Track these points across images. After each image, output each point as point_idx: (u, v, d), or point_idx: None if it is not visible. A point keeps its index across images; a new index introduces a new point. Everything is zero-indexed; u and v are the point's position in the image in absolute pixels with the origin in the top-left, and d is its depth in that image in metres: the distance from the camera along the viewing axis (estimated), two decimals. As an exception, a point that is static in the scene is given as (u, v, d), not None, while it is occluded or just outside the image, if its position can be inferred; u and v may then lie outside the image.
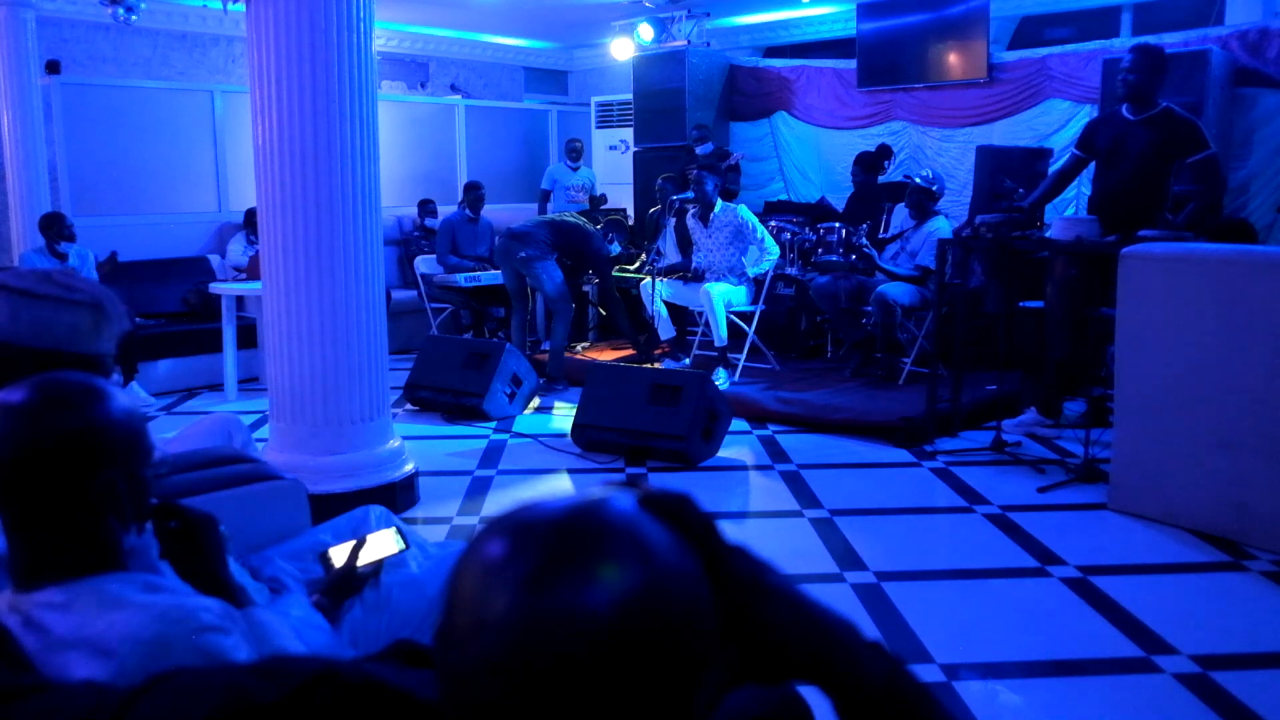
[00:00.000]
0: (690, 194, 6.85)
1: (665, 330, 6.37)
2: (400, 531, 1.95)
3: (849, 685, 0.74)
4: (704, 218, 6.22)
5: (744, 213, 6.14)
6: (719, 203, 6.16)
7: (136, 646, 1.10)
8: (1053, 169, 5.00)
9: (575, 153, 8.81)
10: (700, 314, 6.38)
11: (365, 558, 1.81)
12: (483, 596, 0.61)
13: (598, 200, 8.83)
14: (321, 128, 3.47)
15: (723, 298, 5.91)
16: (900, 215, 6.17)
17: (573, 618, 0.59)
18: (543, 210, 8.70)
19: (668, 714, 0.61)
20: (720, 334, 5.90)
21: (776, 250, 6.17)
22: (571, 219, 6.54)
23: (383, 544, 1.87)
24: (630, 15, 8.63)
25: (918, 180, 5.94)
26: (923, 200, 5.91)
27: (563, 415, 5.34)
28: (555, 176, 8.81)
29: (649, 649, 0.60)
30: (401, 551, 1.90)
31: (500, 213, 8.29)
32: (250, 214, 7.00)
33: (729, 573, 0.70)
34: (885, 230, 6.30)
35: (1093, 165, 4.78)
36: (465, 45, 10.37)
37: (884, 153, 7.16)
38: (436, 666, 0.64)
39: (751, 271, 6.13)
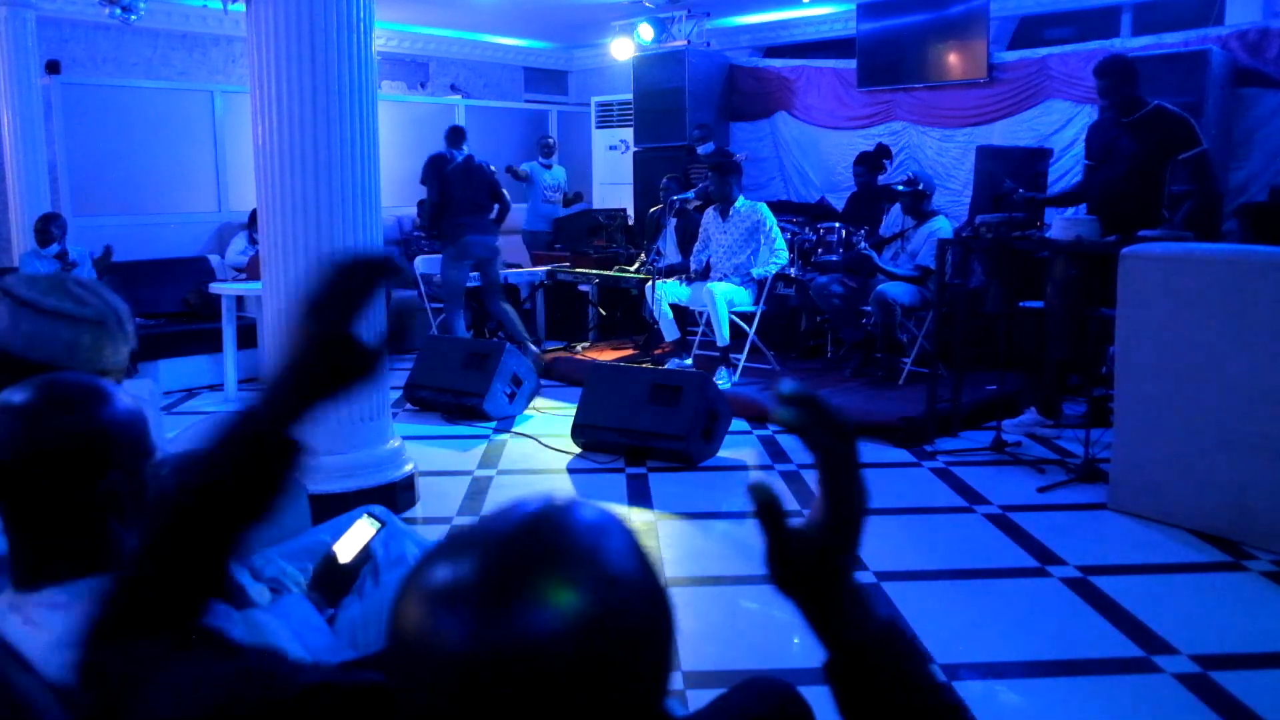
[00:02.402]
0: (690, 194, 6.85)
1: (669, 332, 6.36)
2: (373, 515, 1.97)
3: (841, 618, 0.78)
4: (724, 213, 6.20)
5: (764, 211, 6.12)
6: (741, 198, 6.14)
7: (136, 646, 1.10)
8: (1069, 183, 4.98)
9: (547, 149, 8.77)
10: (701, 314, 6.38)
11: (348, 552, 1.82)
12: (433, 625, 0.59)
13: (571, 199, 8.83)
14: (321, 128, 3.47)
15: (725, 297, 5.91)
16: (896, 214, 6.17)
17: (525, 649, 0.57)
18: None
19: None
20: (723, 334, 5.90)
21: (786, 255, 6.17)
22: (480, 176, 6.64)
23: (360, 533, 1.89)
24: (630, 15, 8.63)
25: (901, 188, 5.94)
26: (915, 203, 5.92)
27: (563, 415, 5.33)
28: (532, 175, 8.77)
29: (604, 672, 0.59)
30: (380, 529, 1.91)
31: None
32: (254, 214, 6.99)
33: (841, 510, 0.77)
34: (881, 229, 6.29)
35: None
36: (465, 45, 10.37)
37: (883, 152, 7.16)
38: (392, 687, 0.62)
39: (757, 273, 6.12)
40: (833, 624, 0.77)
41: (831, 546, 0.77)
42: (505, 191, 6.85)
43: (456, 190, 6.52)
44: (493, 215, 6.70)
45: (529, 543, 0.61)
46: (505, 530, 0.62)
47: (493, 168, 6.89)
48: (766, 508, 0.76)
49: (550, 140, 8.91)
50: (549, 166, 8.79)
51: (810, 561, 0.76)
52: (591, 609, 0.59)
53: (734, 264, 6.11)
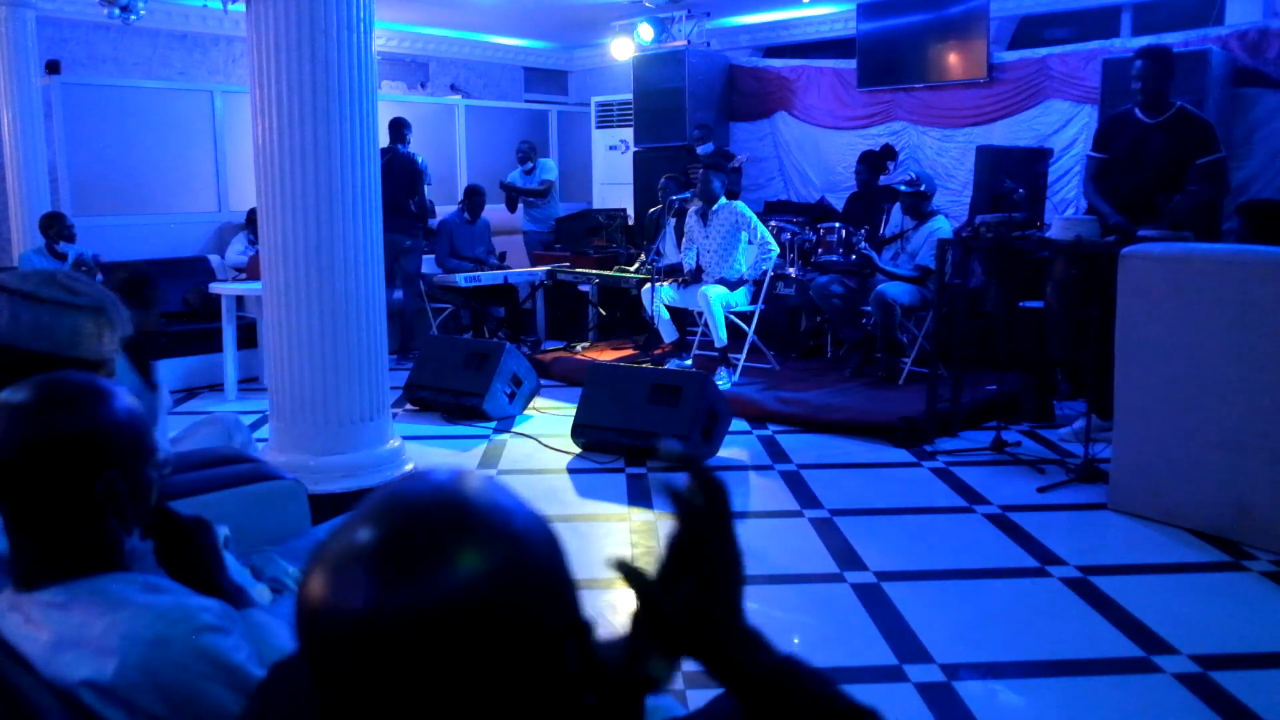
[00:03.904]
0: (690, 194, 6.84)
1: (668, 333, 6.37)
2: None
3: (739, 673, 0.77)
4: (704, 215, 6.23)
5: (742, 208, 6.14)
6: (721, 199, 6.17)
7: (136, 646, 1.10)
8: (1085, 182, 4.95)
9: (523, 155, 8.49)
10: (700, 314, 6.39)
11: None
12: (337, 588, 0.61)
13: (543, 186, 8.56)
14: (321, 128, 3.47)
15: (720, 300, 5.91)
16: (897, 215, 6.17)
17: (427, 606, 0.59)
18: (512, 207, 8.53)
19: (534, 684, 0.62)
20: (720, 335, 5.91)
21: (776, 248, 6.17)
22: (402, 172, 6.84)
23: None
24: (630, 15, 8.62)
25: (903, 188, 5.94)
26: (916, 203, 5.92)
27: (563, 415, 5.33)
28: (513, 182, 8.63)
29: (502, 629, 0.61)
30: None
31: (500, 213, 8.29)
32: (252, 214, 7.00)
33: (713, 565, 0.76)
34: (884, 230, 6.30)
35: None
36: (465, 45, 10.37)
37: (888, 153, 7.17)
38: (304, 655, 0.64)
39: (750, 274, 6.13)
40: (730, 670, 0.77)
41: (708, 607, 0.77)
42: (425, 186, 7.11)
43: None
44: (413, 209, 7.01)
45: (422, 505, 0.63)
46: (397, 498, 0.64)
47: (420, 158, 7.16)
48: (633, 580, 0.77)
49: (525, 145, 8.56)
50: (530, 171, 8.53)
51: (689, 623, 0.77)
52: (489, 558, 0.61)
53: (720, 269, 6.12)
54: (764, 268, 6.13)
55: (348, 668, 0.60)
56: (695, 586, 0.77)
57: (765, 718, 0.75)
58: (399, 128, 7.20)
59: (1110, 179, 4.72)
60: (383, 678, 0.59)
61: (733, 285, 6.05)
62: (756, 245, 6.10)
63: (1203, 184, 4.48)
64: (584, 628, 0.66)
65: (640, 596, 0.77)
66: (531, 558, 0.63)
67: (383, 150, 6.47)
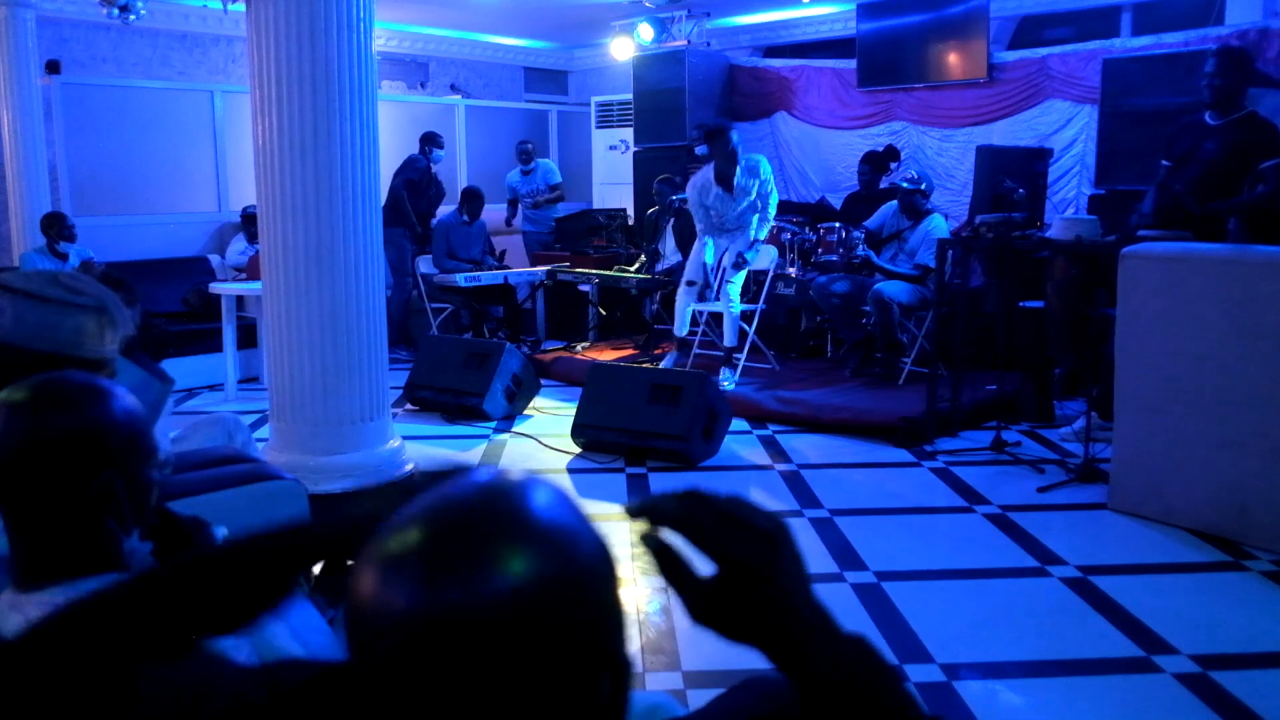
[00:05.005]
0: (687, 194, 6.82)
1: (679, 327, 6.20)
2: None
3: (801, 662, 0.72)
4: (729, 185, 5.90)
5: (758, 164, 5.91)
6: (738, 171, 5.86)
7: (136, 646, 1.10)
8: (1154, 190, 4.92)
9: (525, 154, 8.58)
10: (703, 314, 6.37)
11: None
12: (383, 588, 0.61)
13: (556, 192, 8.64)
14: (321, 128, 3.47)
15: (738, 292, 5.88)
16: (886, 213, 6.15)
17: (473, 609, 0.59)
18: (511, 217, 8.64)
19: (566, 704, 0.62)
20: (732, 335, 5.91)
21: (774, 210, 6.01)
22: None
23: None
24: (630, 15, 8.62)
25: (904, 185, 5.94)
26: (913, 200, 5.92)
27: (563, 415, 5.33)
28: (512, 184, 8.68)
29: (537, 644, 0.60)
30: None
31: (500, 213, 8.29)
32: (247, 214, 7.01)
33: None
34: (868, 222, 6.26)
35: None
36: (465, 45, 10.36)
37: (891, 153, 7.18)
38: (349, 651, 0.64)
39: (762, 235, 6.00)
40: (792, 660, 0.71)
41: (743, 593, 0.72)
42: (404, 180, 7.52)
43: None
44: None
45: (476, 508, 0.63)
46: (453, 497, 0.64)
47: (410, 159, 7.67)
48: (665, 559, 0.72)
49: (527, 145, 8.65)
50: (529, 172, 8.61)
51: (735, 609, 0.72)
52: (539, 569, 0.61)
53: (738, 243, 5.97)
54: (769, 225, 6.03)
55: (389, 664, 0.60)
56: (724, 575, 0.72)
57: (833, 708, 0.72)
58: (425, 140, 7.70)
59: (1172, 180, 4.70)
60: (420, 676, 0.59)
61: (746, 259, 5.92)
62: (760, 199, 5.89)
63: (1269, 185, 4.37)
64: (623, 664, 0.65)
65: (676, 579, 0.72)
66: (580, 579, 0.63)
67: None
